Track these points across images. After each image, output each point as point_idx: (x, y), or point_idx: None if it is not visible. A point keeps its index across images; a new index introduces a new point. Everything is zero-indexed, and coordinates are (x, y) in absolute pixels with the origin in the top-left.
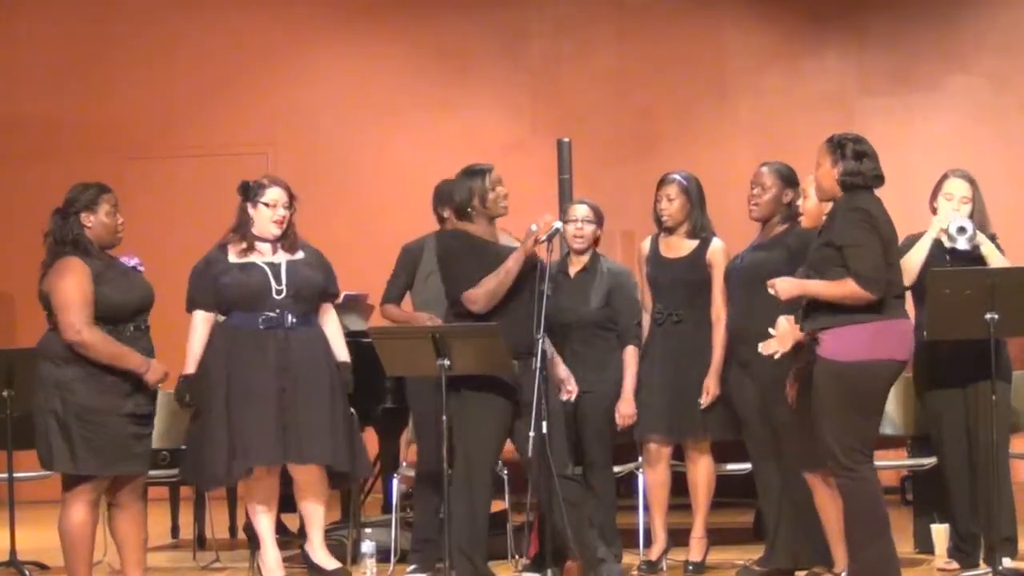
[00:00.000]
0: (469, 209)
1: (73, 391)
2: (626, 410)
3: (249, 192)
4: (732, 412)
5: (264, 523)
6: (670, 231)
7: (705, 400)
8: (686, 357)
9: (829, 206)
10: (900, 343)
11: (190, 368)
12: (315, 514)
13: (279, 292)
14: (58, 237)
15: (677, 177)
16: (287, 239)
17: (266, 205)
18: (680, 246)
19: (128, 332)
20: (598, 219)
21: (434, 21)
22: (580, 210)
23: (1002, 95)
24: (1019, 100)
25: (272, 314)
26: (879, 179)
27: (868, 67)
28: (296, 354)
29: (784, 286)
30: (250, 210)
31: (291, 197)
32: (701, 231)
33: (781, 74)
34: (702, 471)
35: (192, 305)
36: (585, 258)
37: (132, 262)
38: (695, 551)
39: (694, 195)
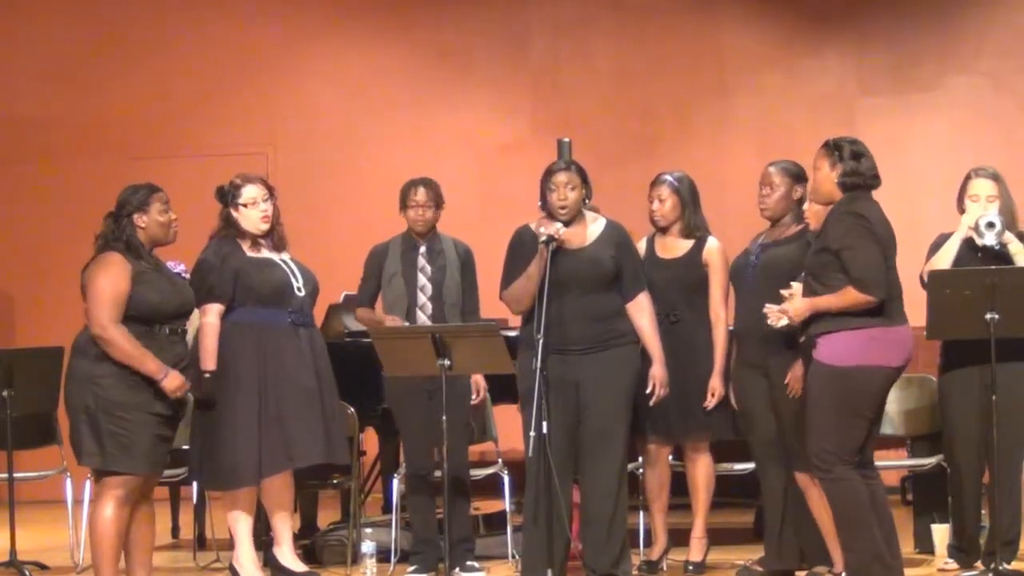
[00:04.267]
0: (544, 204)
1: (104, 386)
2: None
3: (226, 196)
4: (731, 412)
5: (244, 523)
6: (664, 231)
7: (711, 402)
8: (685, 357)
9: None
10: (894, 350)
11: (212, 364)
12: (286, 517)
13: (299, 289)
14: (109, 239)
15: (668, 178)
16: (277, 235)
17: (245, 206)
18: (675, 246)
19: (164, 334)
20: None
21: (434, 21)
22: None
23: (1002, 95)
24: (1019, 100)
25: (299, 311)
26: (877, 179)
27: (868, 67)
28: (319, 351)
29: (797, 309)
30: (234, 214)
31: (269, 190)
32: (696, 230)
33: (781, 74)
34: (701, 470)
35: (209, 298)
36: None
37: (178, 268)
38: (695, 551)
39: (685, 195)
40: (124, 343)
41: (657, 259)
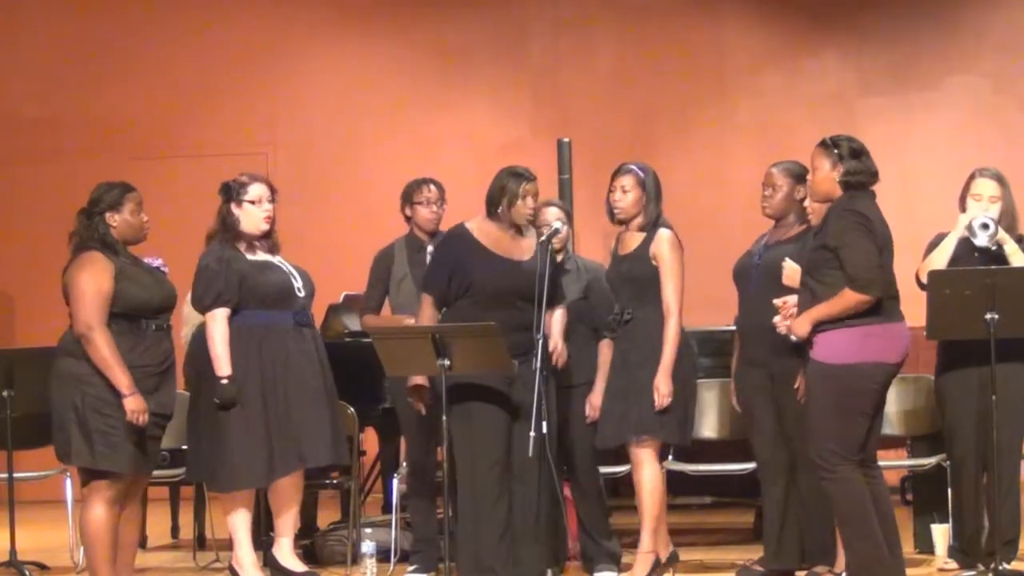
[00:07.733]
0: (496, 208)
1: (92, 384)
2: (596, 402)
3: (231, 192)
4: (683, 415)
5: (243, 523)
6: (623, 224)
7: (659, 401)
8: (634, 358)
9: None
10: (890, 346)
11: (228, 369)
12: (291, 517)
13: (299, 290)
14: (84, 236)
15: (633, 167)
16: (272, 237)
17: (251, 203)
18: (632, 241)
19: (151, 330)
20: (569, 220)
21: (434, 21)
22: (553, 212)
23: (1002, 95)
24: (1019, 99)
25: (301, 312)
26: (876, 176)
27: (868, 67)
28: (322, 352)
29: (800, 326)
30: (235, 211)
31: (273, 192)
32: (653, 225)
33: (781, 74)
34: (647, 476)
35: (218, 302)
36: (560, 257)
37: (156, 263)
38: (639, 567)
39: (651, 188)
40: (104, 347)
41: (616, 256)
